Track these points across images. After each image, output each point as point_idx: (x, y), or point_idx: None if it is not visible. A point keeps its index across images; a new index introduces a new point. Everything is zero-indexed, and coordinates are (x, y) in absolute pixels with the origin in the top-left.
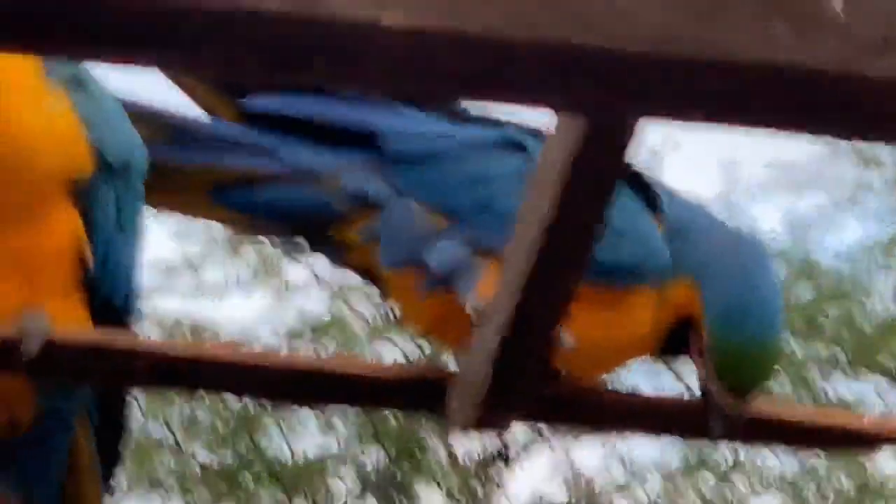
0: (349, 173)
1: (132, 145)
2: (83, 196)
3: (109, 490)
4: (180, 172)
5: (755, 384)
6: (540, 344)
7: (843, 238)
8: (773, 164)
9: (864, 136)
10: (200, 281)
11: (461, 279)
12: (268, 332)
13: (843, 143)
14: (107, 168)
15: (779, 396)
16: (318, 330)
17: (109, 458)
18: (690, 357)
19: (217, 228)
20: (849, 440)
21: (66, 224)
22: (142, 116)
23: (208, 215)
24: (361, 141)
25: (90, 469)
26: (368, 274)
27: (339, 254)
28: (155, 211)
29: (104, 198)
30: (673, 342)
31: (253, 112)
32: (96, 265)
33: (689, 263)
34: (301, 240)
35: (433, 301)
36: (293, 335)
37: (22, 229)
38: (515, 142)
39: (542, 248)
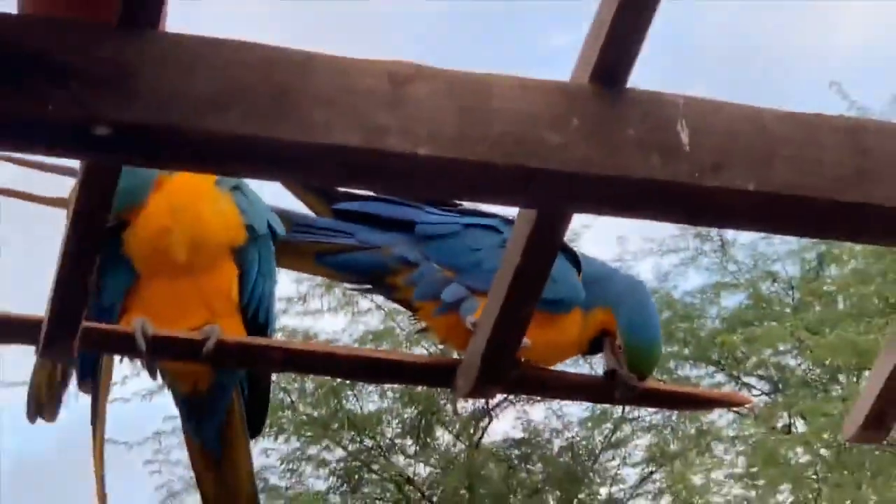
0: (397, 246)
1: (268, 221)
2: (238, 255)
3: (258, 433)
4: (296, 246)
5: (649, 369)
6: (510, 345)
7: (688, 283)
8: (647, 239)
9: (704, 223)
10: (307, 307)
11: (463, 306)
12: (346, 338)
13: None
14: (254, 236)
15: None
16: (377, 337)
17: (259, 415)
18: (604, 353)
19: (319, 278)
20: (693, 403)
21: (228, 273)
22: (277, 213)
23: (313, 272)
24: (405, 227)
25: (240, 420)
26: (406, 304)
27: (391, 292)
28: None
29: (252, 256)
30: (591, 346)
31: (339, 209)
32: (247, 298)
33: (605, 297)
34: (368, 285)
35: (444, 319)
36: (361, 340)
37: (204, 276)
38: (496, 226)
39: (511, 287)
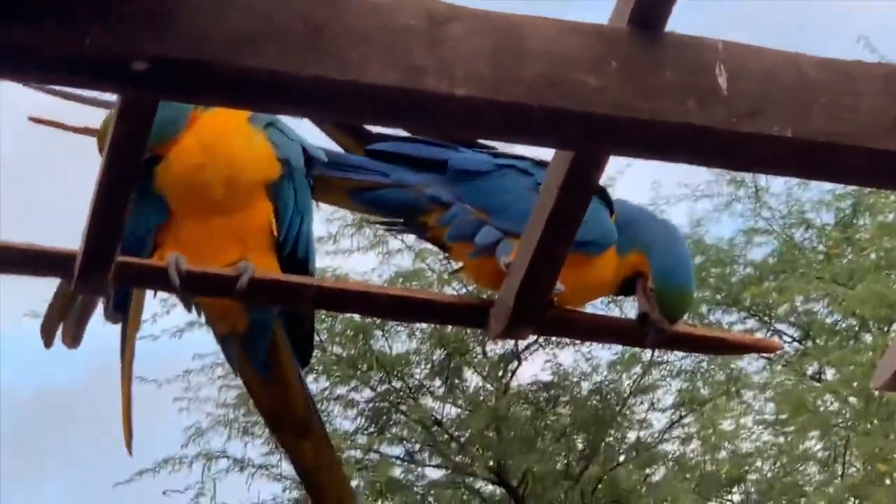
0: (430, 185)
1: (306, 150)
2: (273, 191)
3: (306, 364)
4: (332, 181)
5: (681, 313)
6: (543, 287)
7: (721, 228)
8: (681, 184)
9: (739, 168)
10: (338, 247)
11: (499, 248)
12: (376, 278)
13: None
14: (289, 172)
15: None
16: (406, 278)
17: (305, 346)
18: (636, 296)
19: (349, 217)
20: (723, 348)
21: (262, 210)
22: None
23: (349, 207)
24: (438, 166)
25: (286, 354)
26: (439, 244)
27: (423, 232)
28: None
29: (287, 191)
30: (623, 288)
31: (372, 150)
32: (283, 234)
33: (639, 241)
34: (401, 223)
35: (478, 261)
36: (391, 281)
37: (238, 213)
38: (528, 168)
39: (546, 229)
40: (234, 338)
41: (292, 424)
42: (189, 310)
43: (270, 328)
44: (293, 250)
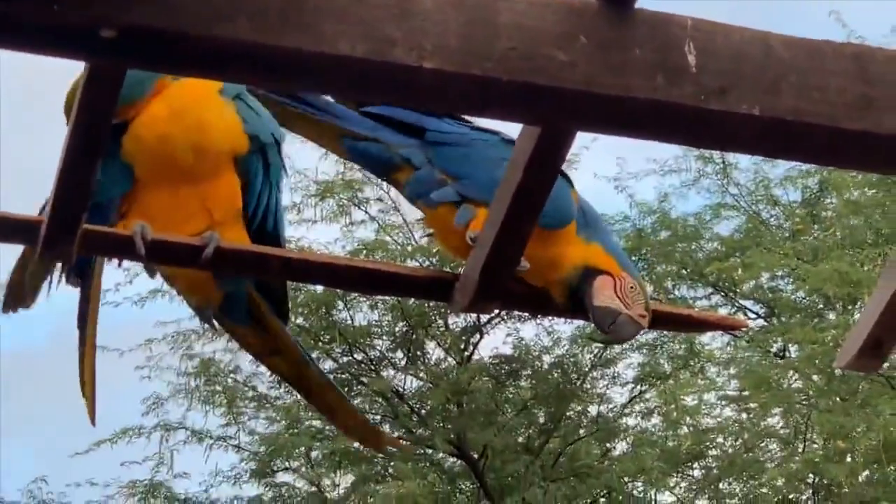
0: (407, 147)
1: (272, 131)
2: (241, 164)
3: (286, 321)
4: (324, 125)
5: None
6: (509, 262)
7: (688, 204)
8: (649, 159)
9: (707, 146)
10: (301, 217)
11: (458, 213)
12: (339, 249)
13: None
14: (258, 146)
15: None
16: (370, 249)
17: (280, 308)
18: (599, 296)
19: (313, 186)
20: (689, 325)
21: (230, 181)
22: (315, 103)
23: (335, 151)
24: (418, 132)
25: (266, 308)
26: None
27: (398, 188)
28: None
29: (255, 165)
30: (574, 302)
31: (365, 111)
32: (252, 207)
33: (596, 237)
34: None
35: (435, 212)
36: (354, 253)
37: (205, 183)
38: (500, 143)
39: (512, 204)
40: (210, 309)
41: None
42: (153, 276)
43: (244, 298)
44: (262, 224)
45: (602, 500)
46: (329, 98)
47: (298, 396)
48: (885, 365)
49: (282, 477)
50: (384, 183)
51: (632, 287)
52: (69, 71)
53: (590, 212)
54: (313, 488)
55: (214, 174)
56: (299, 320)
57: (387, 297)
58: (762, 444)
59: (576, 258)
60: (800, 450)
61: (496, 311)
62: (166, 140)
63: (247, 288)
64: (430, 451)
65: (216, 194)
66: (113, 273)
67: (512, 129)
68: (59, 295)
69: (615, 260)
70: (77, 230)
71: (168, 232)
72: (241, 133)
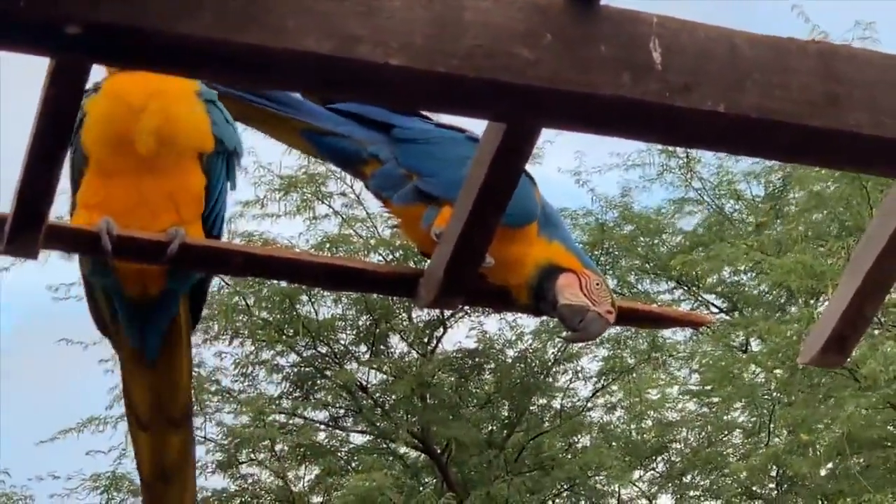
0: (374, 143)
1: (236, 142)
2: (205, 165)
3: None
4: (284, 119)
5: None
6: (474, 259)
7: (651, 198)
8: (612, 153)
9: (672, 142)
10: (265, 211)
11: (424, 215)
12: (303, 243)
13: None
14: (222, 150)
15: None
16: (333, 243)
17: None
18: (565, 293)
19: (277, 181)
20: (652, 321)
21: (197, 180)
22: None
23: (295, 145)
24: (384, 128)
25: (186, 328)
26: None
27: (364, 181)
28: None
29: (219, 168)
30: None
31: (331, 107)
32: (209, 209)
33: (558, 234)
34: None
35: (399, 209)
36: (318, 247)
37: (173, 179)
38: (463, 141)
39: (477, 201)
40: (141, 304)
41: (169, 413)
42: (108, 275)
43: (179, 297)
44: (211, 227)
45: (565, 493)
46: (292, 93)
47: (265, 392)
48: (849, 359)
49: (247, 469)
50: (348, 177)
51: (597, 284)
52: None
53: (551, 210)
54: (279, 481)
55: (181, 169)
56: (263, 314)
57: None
58: (725, 438)
59: (538, 256)
60: (763, 443)
61: (460, 306)
62: (131, 118)
63: (182, 297)
64: (393, 444)
65: (185, 191)
66: (75, 265)
67: (477, 126)
68: (23, 289)
69: (577, 258)
70: (42, 225)
71: (133, 227)
72: (208, 132)
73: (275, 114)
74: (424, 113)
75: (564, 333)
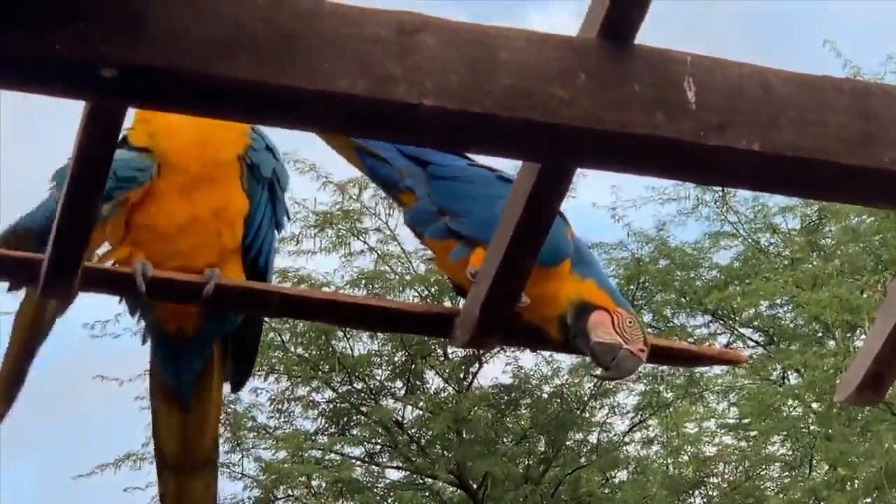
0: (410, 175)
1: (274, 165)
2: (247, 187)
3: (241, 387)
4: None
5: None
6: (509, 299)
7: (687, 232)
8: (647, 187)
9: (707, 182)
10: (300, 248)
11: (454, 252)
12: (338, 279)
13: None
14: (258, 176)
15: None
16: (369, 279)
17: (246, 364)
18: (599, 332)
19: (312, 217)
20: (688, 359)
21: (238, 198)
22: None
23: (350, 160)
24: (420, 162)
25: (219, 372)
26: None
27: (400, 206)
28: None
29: (258, 192)
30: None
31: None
32: (250, 236)
33: (591, 274)
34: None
35: (432, 243)
36: (353, 283)
37: (216, 192)
38: (495, 181)
39: (512, 240)
40: (177, 340)
41: (194, 455)
42: (133, 314)
43: (218, 337)
44: (254, 262)
45: None
46: None
47: (301, 428)
48: (889, 392)
49: None
50: (383, 213)
51: (629, 322)
52: None
53: (583, 248)
54: None
55: (222, 181)
56: (299, 350)
57: None
58: (763, 472)
59: (571, 294)
60: (804, 476)
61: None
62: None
63: (221, 334)
64: (430, 480)
65: (226, 208)
66: (111, 304)
67: (509, 166)
68: (57, 327)
69: (609, 296)
70: (78, 267)
71: (177, 253)
72: (244, 138)
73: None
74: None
75: (597, 371)
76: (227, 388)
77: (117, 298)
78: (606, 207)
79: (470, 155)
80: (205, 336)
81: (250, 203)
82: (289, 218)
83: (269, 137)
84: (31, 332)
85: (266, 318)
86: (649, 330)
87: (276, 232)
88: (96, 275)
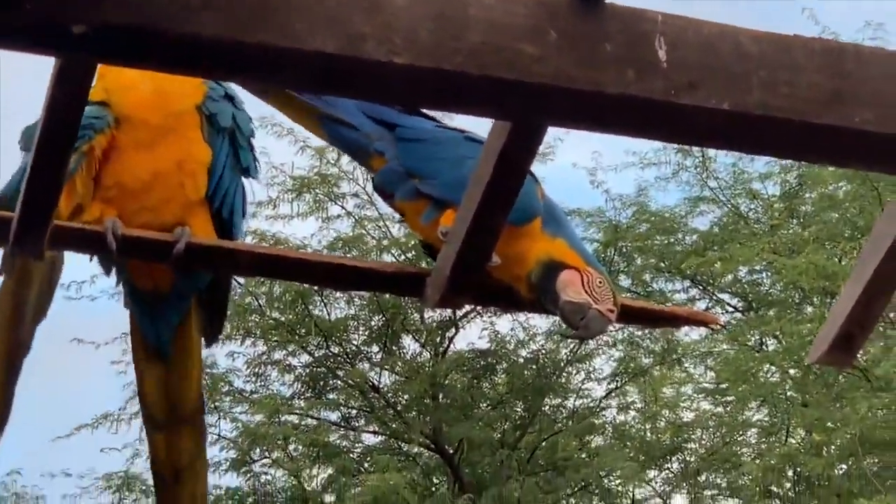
0: (379, 138)
1: (233, 113)
2: (207, 138)
3: (215, 340)
4: (306, 105)
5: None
6: (480, 258)
7: (667, 197)
8: (628, 152)
9: (677, 140)
10: (277, 212)
11: (423, 216)
12: (315, 244)
13: None
14: (216, 127)
15: (623, 290)
16: (346, 244)
17: (216, 323)
18: (567, 291)
19: (289, 182)
20: (661, 320)
21: (200, 147)
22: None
23: (314, 131)
24: (388, 125)
25: (196, 326)
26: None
27: (370, 171)
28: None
29: (218, 142)
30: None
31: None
32: (211, 187)
33: (561, 233)
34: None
35: (402, 204)
36: (331, 247)
37: (177, 143)
38: (463, 141)
39: (483, 200)
40: (153, 297)
41: (182, 409)
42: (108, 273)
43: (193, 292)
44: (219, 213)
45: (578, 493)
46: None
47: (277, 392)
48: (865, 358)
49: (260, 468)
50: (360, 178)
51: (599, 282)
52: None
53: (554, 208)
54: (292, 480)
55: (181, 132)
56: (275, 314)
57: (363, 292)
58: (741, 437)
59: (541, 253)
60: (780, 443)
61: (471, 307)
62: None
63: (196, 289)
64: (406, 445)
65: (188, 160)
66: (90, 265)
67: (480, 127)
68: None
69: (580, 255)
70: (48, 225)
71: (144, 208)
72: (202, 90)
73: (292, 96)
74: (428, 112)
75: (567, 331)
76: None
77: (89, 257)
78: (586, 170)
79: (438, 117)
80: (180, 291)
81: (211, 147)
82: (257, 162)
83: (230, 86)
84: (10, 346)
85: (242, 282)
86: (627, 295)
87: (242, 179)
88: (66, 233)
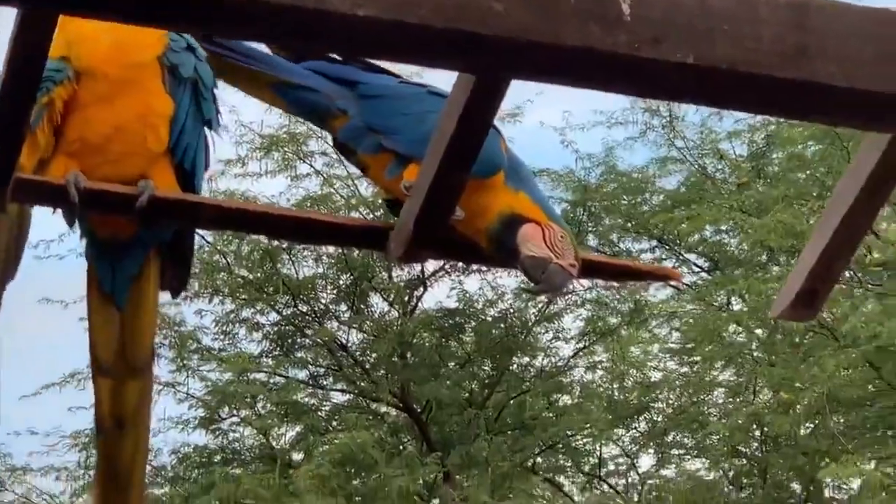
0: (341, 98)
1: (195, 64)
2: (169, 89)
3: (178, 293)
4: (255, 73)
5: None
6: (443, 212)
7: (635, 156)
8: (596, 111)
9: (641, 94)
10: (246, 170)
11: (386, 169)
12: (284, 202)
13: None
14: (178, 77)
15: (591, 249)
16: (315, 202)
17: (181, 272)
18: (529, 246)
19: (258, 140)
20: (624, 274)
21: (161, 99)
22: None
23: (267, 100)
24: (350, 84)
25: (154, 278)
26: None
27: (332, 134)
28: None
29: (179, 92)
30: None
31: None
32: (173, 138)
33: (524, 187)
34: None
35: (365, 158)
36: (300, 205)
37: (138, 96)
38: (425, 96)
39: (446, 153)
40: (112, 245)
41: (132, 360)
42: (71, 226)
43: (153, 243)
44: (182, 165)
45: (546, 452)
46: (264, 48)
47: (245, 350)
48: (829, 318)
49: (229, 426)
50: (329, 136)
51: (561, 236)
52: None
53: (518, 162)
54: (260, 438)
55: (142, 84)
56: (243, 272)
57: (332, 250)
58: (708, 397)
59: (503, 206)
60: (748, 402)
61: (440, 264)
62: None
63: (155, 241)
64: (374, 403)
65: (149, 112)
66: (58, 223)
67: (442, 81)
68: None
69: (542, 209)
70: (10, 178)
71: (107, 161)
72: (163, 42)
73: (244, 68)
74: (389, 69)
75: (528, 286)
76: (167, 296)
77: (52, 210)
78: (554, 128)
79: (399, 72)
80: (140, 242)
81: (174, 105)
82: (219, 114)
83: (191, 37)
84: None
85: (210, 240)
86: (595, 254)
87: (205, 131)
88: (28, 185)
